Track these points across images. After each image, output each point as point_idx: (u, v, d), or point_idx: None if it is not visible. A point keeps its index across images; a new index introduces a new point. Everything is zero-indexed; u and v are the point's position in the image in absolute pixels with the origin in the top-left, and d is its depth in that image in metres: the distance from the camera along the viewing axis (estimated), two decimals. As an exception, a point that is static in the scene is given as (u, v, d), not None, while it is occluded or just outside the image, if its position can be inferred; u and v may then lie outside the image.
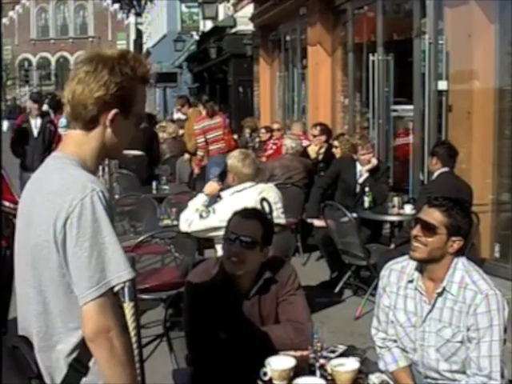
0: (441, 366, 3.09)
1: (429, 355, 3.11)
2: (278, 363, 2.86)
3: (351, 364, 2.87)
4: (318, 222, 7.15)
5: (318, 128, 9.18)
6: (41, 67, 66.36)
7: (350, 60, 11.13)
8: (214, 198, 5.17)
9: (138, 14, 51.05)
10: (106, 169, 9.89)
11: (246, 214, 3.42)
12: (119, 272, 1.97)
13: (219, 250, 4.68)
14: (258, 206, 4.80)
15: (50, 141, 9.57)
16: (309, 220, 7.45)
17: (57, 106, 11.32)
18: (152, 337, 5.41)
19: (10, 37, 64.03)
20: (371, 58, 9.38)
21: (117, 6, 64.96)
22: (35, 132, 9.61)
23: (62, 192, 1.97)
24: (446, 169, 6.10)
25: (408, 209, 6.56)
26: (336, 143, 8.23)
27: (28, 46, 66.09)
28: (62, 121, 10.02)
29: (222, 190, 5.27)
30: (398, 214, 6.68)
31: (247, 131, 13.34)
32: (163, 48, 33.73)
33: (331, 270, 7.07)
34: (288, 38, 15.16)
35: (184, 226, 5.06)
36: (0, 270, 3.40)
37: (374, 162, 7.29)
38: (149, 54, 38.80)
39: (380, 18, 9.72)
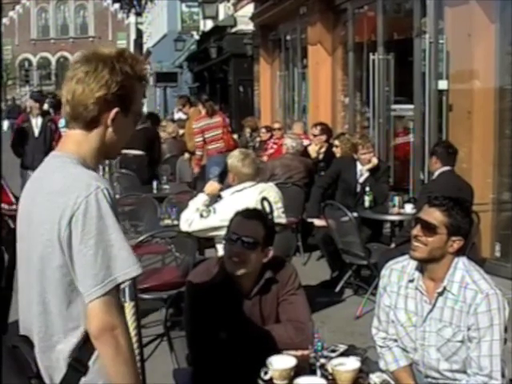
0: (441, 365, 3.09)
1: (429, 355, 3.11)
2: (279, 363, 2.86)
3: (352, 363, 2.87)
4: (318, 222, 7.15)
5: (319, 127, 9.18)
6: (41, 67, 66.30)
7: (350, 59, 11.13)
8: (215, 198, 5.17)
9: (139, 14, 51.15)
10: (107, 168, 9.92)
11: (247, 215, 3.42)
12: (126, 269, 1.97)
13: (220, 249, 4.68)
14: (259, 206, 4.80)
15: (51, 140, 9.58)
16: (309, 219, 7.45)
17: (57, 106, 11.34)
18: (153, 336, 5.41)
19: (10, 37, 63.98)
20: (371, 57, 9.37)
21: (117, 5, 65.12)
22: (36, 131, 9.62)
23: (65, 191, 1.96)
24: (446, 168, 6.10)
25: (408, 208, 6.56)
26: (336, 142, 8.23)
27: (28, 46, 66.03)
28: (62, 121, 10.02)
29: (222, 189, 5.28)
30: (399, 214, 6.69)
31: (247, 131, 13.34)
32: (163, 48, 33.70)
33: (332, 270, 7.07)
34: (288, 37, 15.15)
35: (184, 226, 5.06)
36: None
37: (375, 161, 7.30)
38: (149, 54, 38.83)
39: (380, 17, 9.72)
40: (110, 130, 2.09)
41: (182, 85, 29.56)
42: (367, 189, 7.02)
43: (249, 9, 17.61)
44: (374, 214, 6.88)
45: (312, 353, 2.94)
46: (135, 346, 3.10)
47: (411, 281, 3.16)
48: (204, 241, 5.46)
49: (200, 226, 4.97)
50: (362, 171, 7.28)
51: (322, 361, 2.90)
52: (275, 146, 10.55)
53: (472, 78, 7.29)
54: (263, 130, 12.08)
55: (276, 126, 11.86)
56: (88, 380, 2.03)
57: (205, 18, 23.69)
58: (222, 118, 10.74)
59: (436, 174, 6.19)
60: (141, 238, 5.40)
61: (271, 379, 2.81)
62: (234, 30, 19.93)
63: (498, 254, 7.15)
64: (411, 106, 8.65)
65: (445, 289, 3.05)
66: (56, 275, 1.99)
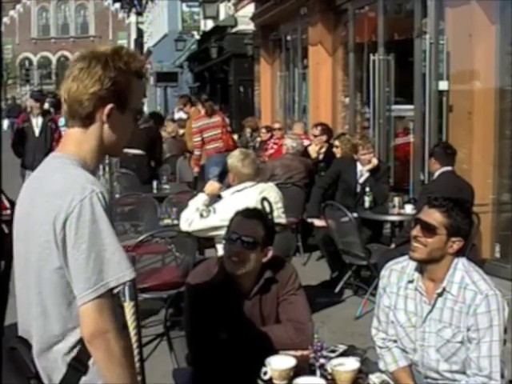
0: (441, 366, 3.09)
1: (429, 355, 3.11)
2: (279, 363, 2.86)
3: (351, 364, 2.87)
4: (318, 222, 7.15)
5: (319, 128, 9.19)
6: (41, 66, 66.30)
7: (350, 60, 11.13)
8: (215, 198, 5.17)
9: (139, 14, 51.10)
10: (107, 168, 9.91)
11: (247, 214, 3.42)
12: (119, 273, 1.96)
13: (220, 249, 4.68)
14: (259, 206, 4.80)
15: (51, 139, 9.57)
16: (309, 220, 7.45)
17: (58, 105, 11.32)
18: (152, 336, 5.41)
19: (10, 36, 63.99)
20: (372, 57, 9.37)
21: (118, 5, 65.08)
22: (37, 131, 9.59)
23: (63, 193, 1.96)
24: (446, 168, 6.11)
25: (408, 209, 6.56)
26: (337, 143, 8.23)
27: (29, 45, 66.03)
28: (62, 120, 10.02)
29: (221, 189, 5.28)
30: (399, 214, 6.69)
31: (248, 131, 13.34)
32: (164, 47, 33.70)
33: (332, 270, 7.07)
34: (289, 37, 15.16)
35: (184, 226, 5.06)
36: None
37: (375, 161, 7.30)
38: (150, 54, 38.82)
39: (381, 17, 9.72)
40: (106, 126, 2.09)
41: (183, 85, 29.56)
42: (367, 189, 7.02)
43: (249, 9, 17.62)
44: (374, 214, 6.88)
45: (312, 353, 2.94)
46: (135, 345, 3.11)
47: (411, 281, 3.17)
48: (204, 241, 5.46)
49: (200, 226, 4.97)
50: (362, 172, 7.28)
51: (322, 361, 2.90)
52: (275, 147, 10.55)
53: (472, 79, 7.29)
54: (263, 130, 12.08)
55: (276, 126, 11.85)
56: (88, 380, 2.03)
57: (205, 17, 23.70)
58: (222, 118, 10.72)
59: (436, 174, 6.20)
60: (141, 238, 5.40)
61: (271, 379, 2.81)
62: (234, 30, 19.94)
63: (497, 255, 7.16)
64: (411, 107, 8.66)
65: (444, 289, 3.05)
66: (54, 277, 1.99)
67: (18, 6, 66.15)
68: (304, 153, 8.73)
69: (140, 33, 51.04)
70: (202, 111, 10.56)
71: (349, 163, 7.39)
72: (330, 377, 2.85)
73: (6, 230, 2.28)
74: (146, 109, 23.52)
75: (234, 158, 5.18)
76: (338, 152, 8.09)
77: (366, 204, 6.98)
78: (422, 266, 3.13)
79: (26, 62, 66.14)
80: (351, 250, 6.49)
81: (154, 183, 8.76)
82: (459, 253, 3.09)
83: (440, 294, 3.06)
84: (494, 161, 7.19)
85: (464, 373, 3.03)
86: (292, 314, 3.32)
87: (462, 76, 7.48)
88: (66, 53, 64.85)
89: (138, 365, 3.26)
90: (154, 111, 18.77)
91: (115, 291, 1.99)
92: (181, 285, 4.58)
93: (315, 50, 12.12)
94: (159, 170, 10.01)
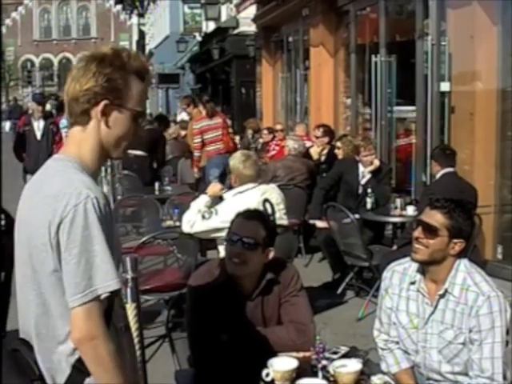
0: (443, 367, 3.09)
1: (431, 357, 3.11)
2: (281, 364, 2.86)
3: (353, 365, 2.87)
4: (320, 223, 7.15)
5: (321, 129, 9.19)
6: (43, 68, 66.35)
7: (352, 61, 11.13)
8: (217, 199, 5.17)
9: (141, 15, 51.13)
10: (109, 170, 9.93)
11: (248, 215, 3.43)
12: (107, 281, 1.97)
13: (222, 251, 4.69)
14: (261, 207, 4.81)
15: (53, 142, 9.52)
16: (311, 221, 7.44)
17: (60, 107, 11.31)
18: (154, 338, 5.41)
19: (12, 38, 64.11)
20: (374, 59, 9.37)
21: (119, 6, 65.13)
22: (38, 134, 9.48)
23: (59, 196, 1.97)
24: (448, 169, 6.12)
25: (410, 210, 6.56)
26: (338, 144, 8.23)
27: (31, 47, 66.09)
28: (63, 122, 9.99)
29: (223, 190, 5.28)
30: (401, 216, 6.70)
31: (249, 132, 13.33)
32: (166, 49, 33.73)
33: (333, 272, 7.07)
34: (290, 39, 15.16)
35: (186, 227, 5.07)
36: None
37: (377, 163, 7.30)
38: (151, 55, 38.86)
39: (383, 19, 9.72)
40: (102, 124, 2.09)
41: (184, 86, 29.60)
42: (369, 191, 7.02)
43: (251, 10, 17.62)
44: (376, 215, 6.88)
45: (313, 354, 2.94)
46: (137, 347, 3.11)
47: (413, 283, 3.16)
48: (206, 242, 5.46)
49: (202, 228, 4.98)
50: (364, 173, 7.28)
51: (324, 362, 2.90)
52: (277, 148, 10.54)
53: (474, 80, 7.29)
54: (265, 132, 12.07)
55: (278, 127, 11.84)
56: (91, 381, 2.03)
57: (207, 19, 23.66)
58: (223, 119, 10.73)
59: (438, 175, 6.21)
60: (143, 240, 5.41)
61: (273, 381, 2.81)
62: (236, 31, 19.94)
63: (499, 256, 7.15)
64: (413, 108, 8.65)
65: (446, 291, 3.05)
66: (52, 279, 2.00)
67: (20, 8, 66.24)
68: (306, 154, 8.73)
69: (142, 34, 51.09)
70: (203, 112, 10.57)
71: (351, 164, 7.39)
72: (332, 378, 2.84)
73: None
74: (148, 110, 23.51)
75: (236, 160, 5.18)
76: (339, 153, 8.09)
77: (368, 205, 6.98)
78: (424, 267, 3.13)
79: (28, 64, 66.18)
80: (353, 252, 6.48)
81: (156, 185, 8.77)
82: (461, 254, 3.09)
83: (442, 296, 3.06)
84: (496, 162, 7.18)
85: (466, 374, 3.03)
86: (294, 316, 3.31)
87: (463, 77, 7.48)
88: (68, 54, 64.93)
89: (139, 366, 3.26)
90: (161, 114, 18.81)
91: (102, 298, 1.98)
92: (183, 286, 4.58)
93: (317, 51, 12.12)
94: (161, 172, 10.02)
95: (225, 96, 21.84)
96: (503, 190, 7.24)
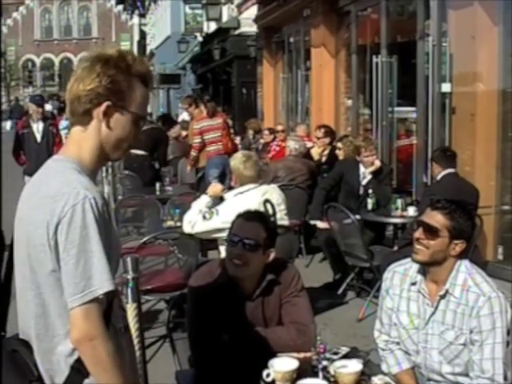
0: (444, 368, 3.09)
1: (432, 357, 3.11)
2: (281, 365, 2.86)
3: (354, 366, 2.87)
4: (321, 224, 7.14)
5: (322, 130, 9.19)
6: (44, 68, 66.37)
7: (353, 62, 11.13)
8: (217, 200, 5.17)
9: (142, 15, 51.21)
10: (110, 170, 9.94)
11: (248, 217, 3.42)
12: (104, 282, 1.97)
13: (223, 251, 4.69)
14: (262, 208, 4.81)
15: (53, 144, 9.44)
16: (312, 222, 7.44)
17: (62, 108, 11.25)
18: (155, 338, 5.41)
19: (13, 37, 64.14)
20: (375, 59, 9.37)
21: (120, 7, 65.17)
22: (38, 136, 9.37)
23: (57, 197, 1.98)
24: (449, 170, 6.12)
25: (411, 211, 6.56)
26: (339, 145, 8.23)
27: (32, 47, 66.10)
28: (62, 123, 9.94)
29: (224, 191, 5.28)
30: (402, 216, 6.70)
31: (250, 133, 13.34)
32: (167, 49, 33.72)
33: (334, 272, 7.07)
34: (292, 39, 15.15)
35: (187, 228, 5.07)
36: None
37: (378, 163, 7.29)
38: (152, 56, 38.87)
39: (384, 19, 9.72)
40: (103, 125, 2.09)
41: (185, 86, 29.59)
42: (370, 191, 7.02)
43: (252, 11, 17.62)
44: (377, 216, 6.88)
45: (314, 355, 2.94)
46: (137, 347, 3.11)
47: (413, 283, 3.17)
48: (207, 242, 5.46)
49: (203, 228, 4.98)
50: (365, 174, 7.27)
51: (325, 363, 2.90)
52: (278, 148, 10.54)
53: (475, 81, 7.28)
54: (266, 132, 12.08)
55: (279, 128, 11.85)
56: (90, 382, 2.03)
57: (208, 19, 23.67)
58: (223, 120, 10.73)
59: (439, 176, 6.21)
60: (144, 240, 5.41)
61: (273, 381, 2.81)
62: (237, 31, 19.94)
63: (500, 257, 7.15)
64: (414, 109, 8.66)
65: (447, 292, 3.05)
66: (50, 279, 2.01)
67: (21, 8, 66.26)
68: (307, 155, 8.74)
69: (143, 34, 51.14)
70: (204, 112, 10.58)
71: (351, 165, 7.39)
72: (332, 379, 2.84)
73: None
74: (149, 110, 23.50)
75: (237, 160, 5.18)
76: (340, 154, 8.09)
77: (369, 206, 6.98)
78: (425, 268, 3.13)
79: (29, 64, 66.20)
80: (354, 252, 6.48)
81: (157, 185, 8.78)
82: (462, 255, 3.09)
83: (443, 296, 3.06)
84: (497, 163, 7.18)
85: (467, 375, 3.03)
86: (295, 316, 3.32)
87: (464, 78, 7.48)
88: (69, 55, 64.95)
89: (140, 366, 3.26)
90: (164, 113, 18.78)
91: (101, 298, 1.98)
92: (183, 286, 4.58)
93: (318, 51, 12.13)
94: (162, 172, 10.03)
95: (226, 96, 21.84)
96: (504, 191, 7.23)
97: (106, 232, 2.01)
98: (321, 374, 2.88)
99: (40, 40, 66.74)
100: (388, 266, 3.36)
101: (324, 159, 8.98)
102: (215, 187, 5.30)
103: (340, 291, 6.73)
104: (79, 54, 57.20)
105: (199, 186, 10.10)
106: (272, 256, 3.34)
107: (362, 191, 7.26)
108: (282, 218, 5.22)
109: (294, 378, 2.81)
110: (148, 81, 2.17)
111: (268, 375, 2.81)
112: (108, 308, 2.05)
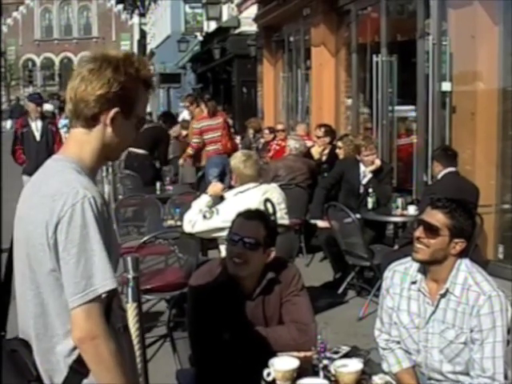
0: (444, 367, 3.09)
1: (432, 356, 3.11)
2: (282, 364, 2.86)
3: (354, 365, 2.87)
4: (321, 223, 7.14)
5: (323, 129, 9.18)
6: (45, 68, 66.40)
7: (353, 61, 11.13)
8: (218, 199, 5.17)
9: (142, 15, 51.17)
10: (110, 169, 9.93)
11: (249, 215, 3.42)
12: (105, 280, 1.97)
13: (223, 250, 4.68)
14: (262, 207, 4.81)
15: (53, 142, 9.41)
16: (312, 221, 7.44)
17: (62, 107, 11.22)
18: (156, 337, 5.41)
19: (14, 37, 64.18)
20: (375, 58, 9.37)
21: (121, 6, 65.17)
22: (37, 135, 9.33)
23: (56, 196, 1.98)
24: (450, 169, 6.12)
25: (411, 210, 6.56)
26: (339, 144, 8.22)
27: (32, 47, 66.12)
28: (61, 121, 9.89)
29: (224, 190, 5.28)
30: (402, 215, 6.69)
31: (251, 132, 13.34)
32: (167, 49, 33.73)
33: (335, 271, 7.07)
34: (292, 38, 15.15)
35: (188, 227, 5.07)
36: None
37: (378, 162, 7.29)
38: (152, 55, 38.86)
39: (384, 18, 9.72)
40: (109, 130, 2.10)
41: (186, 86, 29.58)
42: (370, 190, 7.02)
43: (252, 10, 17.62)
44: (377, 215, 6.88)
45: (315, 354, 2.94)
46: (137, 346, 3.11)
47: (414, 282, 3.16)
48: (207, 242, 5.46)
49: (203, 227, 4.98)
50: (365, 172, 7.27)
51: (325, 362, 2.90)
52: (278, 148, 10.54)
53: (475, 80, 7.29)
54: (266, 131, 12.07)
55: (279, 127, 11.85)
56: (89, 382, 2.03)
57: (208, 19, 23.67)
58: (224, 119, 10.73)
59: (440, 175, 6.21)
60: (144, 239, 5.41)
61: (274, 380, 2.81)
62: (237, 31, 19.95)
63: (501, 256, 7.15)
64: (414, 108, 8.66)
65: (447, 291, 3.05)
66: (49, 279, 2.00)
67: (21, 8, 66.28)
68: (307, 154, 8.73)
69: (143, 34, 51.11)
70: (205, 111, 10.58)
71: (352, 164, 7.39)
72: (333, 378, 2.84)
73: None
74: (148, 109, 23.50)
75: (237, 159, 5.18)
76: (340, 153, 8.09)
77: (369, 205, 6.98)
78: (425, 267, 3.13)
79: (29, 64, 66.23)
80: (354, 251, 6.48)
81: (158, 184, 8.78)
82: (462, 254, 3.09)
83: (443, 295, 3.06)
84: (497, 162, 7.18)
85: (467, 374, 3.03)
86: (295, 315, 3.32)
87: (464, 77, 7.48)
88: (69, 54, 65.00)
89: (141, 366, 3.26)
90: (165, 111, 18.74)
91: (102, 297, 1.98)
92: (184, 286, 4.58)
93: (318, 50, 12.12)
94: (162, 171, 10.03)
95: (226, 95, 21.84)
96: (504, 190, 7.23)
97: (106, 231, 2.01)
98: (321, 373, 2.88)
99: (40, 40, 66.76)
100: (388, 265, 3.36)
101: (324, 158, 8.98)
102: (215, 186, 5.30)
103: (340, 290, 6.73)
104: (79, 53, 57.32)
105: (199, 186, 10.11)
106: (272, 255, 3.34)
107: (362, 190, 7.26)
108: (283, 217, 5.22)
109: (294, 377, 2.81)
110: (151, 84, 2.19)
111: (268, 374, 2.81)
112: (107, 308, 2.04)
